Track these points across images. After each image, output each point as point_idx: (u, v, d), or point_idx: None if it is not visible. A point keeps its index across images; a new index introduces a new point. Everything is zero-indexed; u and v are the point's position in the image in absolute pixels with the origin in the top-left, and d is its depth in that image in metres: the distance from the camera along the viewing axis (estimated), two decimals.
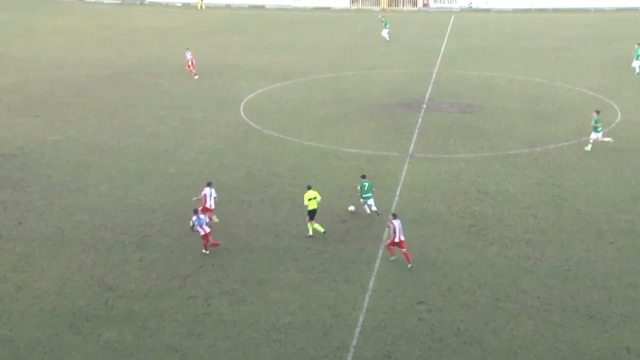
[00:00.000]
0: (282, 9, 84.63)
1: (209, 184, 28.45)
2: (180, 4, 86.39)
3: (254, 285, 23.87)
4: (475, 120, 41.69)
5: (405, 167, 34.44)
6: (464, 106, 44.45)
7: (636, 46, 51.25)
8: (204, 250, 26.17)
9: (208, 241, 26.05)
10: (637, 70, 50.62)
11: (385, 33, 64.10)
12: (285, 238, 27.41)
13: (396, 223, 25.14)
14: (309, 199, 27.34)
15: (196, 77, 50.74)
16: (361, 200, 29.18)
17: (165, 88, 48.85)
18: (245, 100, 45.93)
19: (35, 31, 64.78)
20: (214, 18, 75.35)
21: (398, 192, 31.45)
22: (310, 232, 27.43)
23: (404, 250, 25.27)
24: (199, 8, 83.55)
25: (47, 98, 46.27)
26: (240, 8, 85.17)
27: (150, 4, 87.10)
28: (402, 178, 33.04)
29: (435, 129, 39.95)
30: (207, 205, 27.95)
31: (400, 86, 48.83)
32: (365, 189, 29.02)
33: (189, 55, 51.25)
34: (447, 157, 35.47)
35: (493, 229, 27.83)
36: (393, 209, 29.57)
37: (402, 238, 25.08)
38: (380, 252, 26.15)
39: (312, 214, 27.34)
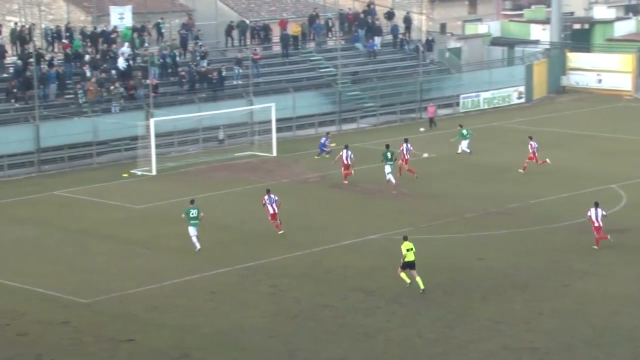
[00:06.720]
0: None
1: None
2: None
3: None
4: None
5: None
6: None
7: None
8: None
9: None
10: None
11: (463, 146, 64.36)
12: None
13: (267, 198, 43.90)
14: (407, 250, 36.59)
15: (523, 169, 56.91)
16: (387, 165, 52.97)
17: None
18: None
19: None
20: None
21: None
22: (408, 280, 36.60)
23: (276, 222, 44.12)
24: None
25: (450, 299, 36.66)
26: None
27: None
28: None
29: None
30: None
31: None
32: (389, 157, 52.72)
33: (534, 144, 57.47)
34: None
35: None
36: None
37: (277, 211, 43.82)
38: None
39: (409, 265, 36.65)
